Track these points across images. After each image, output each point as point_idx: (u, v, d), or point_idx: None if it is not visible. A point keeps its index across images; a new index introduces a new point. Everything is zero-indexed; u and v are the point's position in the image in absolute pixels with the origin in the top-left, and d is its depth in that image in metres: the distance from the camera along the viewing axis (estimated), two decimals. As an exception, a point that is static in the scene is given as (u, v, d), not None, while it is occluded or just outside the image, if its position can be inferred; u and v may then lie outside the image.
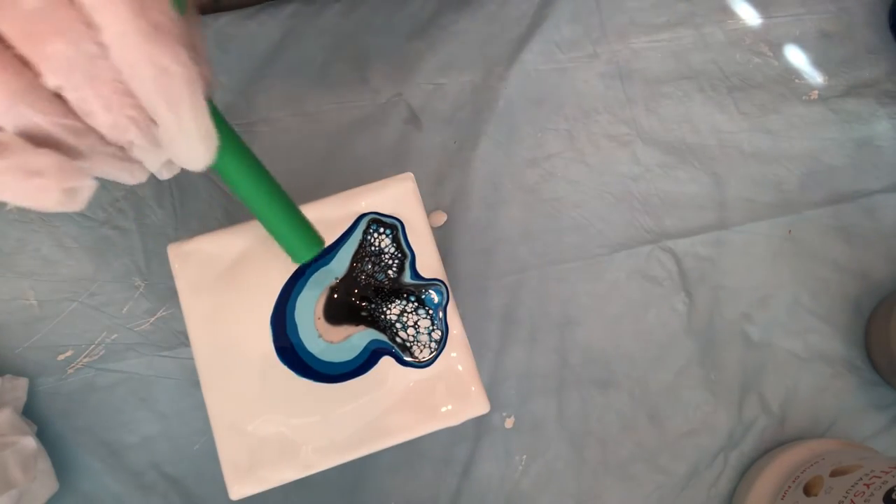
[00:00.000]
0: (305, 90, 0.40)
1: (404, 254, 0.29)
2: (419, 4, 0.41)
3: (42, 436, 0.35)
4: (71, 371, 0.37)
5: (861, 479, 0.31)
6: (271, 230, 0.25)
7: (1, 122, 0.17)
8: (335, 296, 0.29)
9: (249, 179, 0.23)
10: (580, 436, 0.37)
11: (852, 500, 0.30)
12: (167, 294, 0.38)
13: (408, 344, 0.29)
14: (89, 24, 0.17)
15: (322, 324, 0.29)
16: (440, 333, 0.29)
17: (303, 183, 0.39)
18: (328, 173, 0.39)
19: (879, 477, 0.30)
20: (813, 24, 0.42)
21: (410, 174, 0.30)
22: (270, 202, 0.24)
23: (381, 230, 0.29)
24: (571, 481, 0.37)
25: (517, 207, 0.39)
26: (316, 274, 0.29)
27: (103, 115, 0.18)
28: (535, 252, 0.39)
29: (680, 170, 0.40)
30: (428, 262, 0.29)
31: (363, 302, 0.29)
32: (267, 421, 0.28)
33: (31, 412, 0.36)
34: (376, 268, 0.29)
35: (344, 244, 0.29)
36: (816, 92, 0.42)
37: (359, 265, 0.29)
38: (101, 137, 0.19)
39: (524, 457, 0.37)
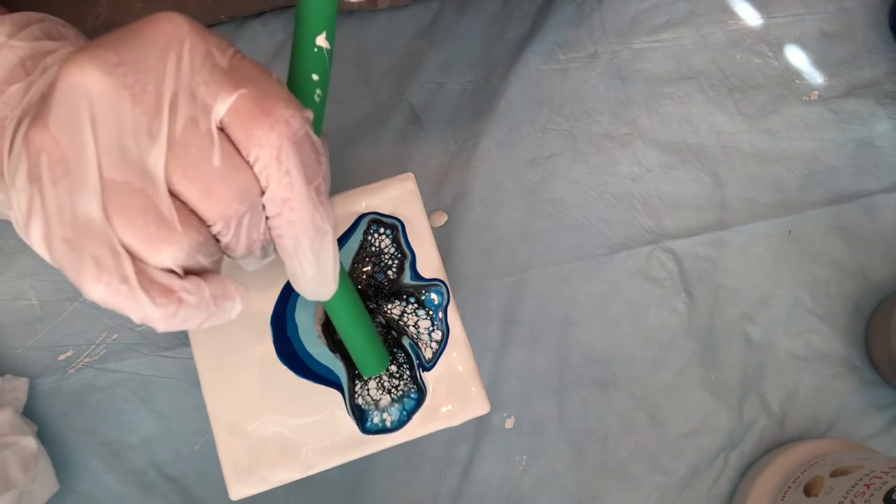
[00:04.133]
0: (306, 90, 0.40)
1: (404, 254, 0.29)
2: (421, 4, 0.41)
3: (42, 436, 0.35)
4: (71, 371, 0.37)
5: (861, 479, 0.31)
6: (353, 349, 0.27)
7: (174, 265, 0.18)
8: None
9: (350, 313, 0.25)
10: (580, 436, 0.37)
11: (852, 501, 0.30)
12: (167, 294, 0.38)
13: None
14: (262, 189, 0.18)
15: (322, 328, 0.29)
16: (441, 334, 0.29)
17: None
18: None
19: (879, 477, 0.30)
20: (813, 24, 0.42)
21: (411, 174, 0.30)
22: (361, 331, 0.26)
23: (382, 230, 0.29)
24: (571, 481, 0.37)
25: (517, 207, 0.39)
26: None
27: (242, 252, 0.20)
28: (535, 252, 0.39)
29: (680, 170, 0.40)
30: (428, 263, 0.29)
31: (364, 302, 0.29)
32: (267, 421, 0.28)
33: (31, 412, 0.36)
34: (376, 268, 0.29)
35: (344, 245, 0.29)
36: (817, 92, 0.42)
37: (359, 265, 0.29)
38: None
39: (524, 457, 0.37)
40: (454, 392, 0.29)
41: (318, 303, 0.29)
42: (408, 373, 0.28)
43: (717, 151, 0.41)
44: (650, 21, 0.42)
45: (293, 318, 0.29)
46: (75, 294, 0.37)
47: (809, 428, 0.38)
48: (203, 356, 0.29)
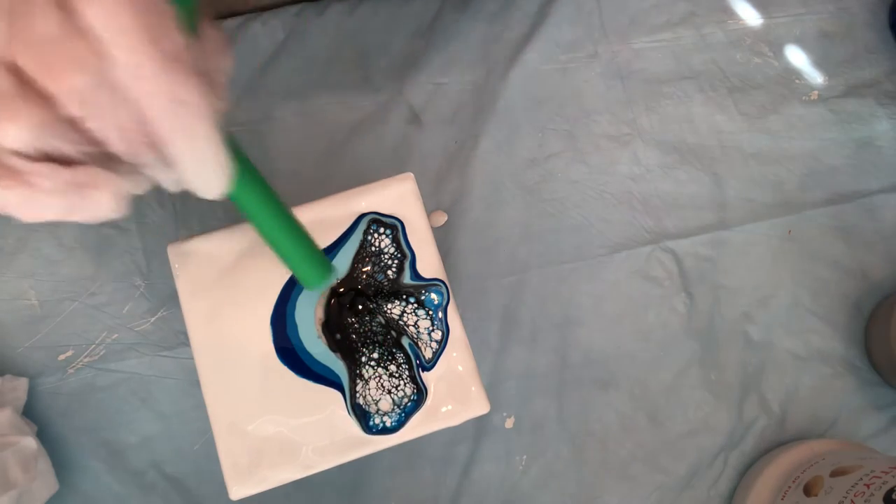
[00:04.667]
0: (308, 89, 0.40)
1: (404, 254, 0.29)
2: (421, 4, 0.41)
3: (42, 436, 0.35)
4: (71, 371, 0.37)
5: (861, 479, 0.31)
6: (285, 259, 0.25)
7: (27, 150, 0.17)
8: (333, 301, 0.29)
9: (264, 210, 0.24)
10: (580, 436, 0.37)
11: (852, 501, 0.30)
12: (167, 294, 0.38)
13: None
14: (104, 56, 0.17)
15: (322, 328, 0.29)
16: (441, 334, 0.29)
17: (304, 182, 0.39)
18: (330, 172, 0.39)
19: (879, 477, 0.30)
20: (813, 24, 0.42)
21: (410, 174, 0.30)
22: (285, 232, 0.25)
23: (381, 230, 0.29)
24: (571, 481, 0.37)
25: (517, 207, 0.39)
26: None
27: (119, 144, 0.18)
28: (535, 252, 0.39)
29: (680, 170, 0.40)
30: (428, 262, 0.29)
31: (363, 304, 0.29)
32: (267, 421, 0.28)
33: (31, 412, 0.36)
34: (376, 268, 0.29)
35: (344, 244, 0.29)
36: (816, 92, 0.42)
37: (359, 265, 0.29)
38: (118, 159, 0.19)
39: (524, 457, 0.37)
40: (454, 392, 0.29)
41: (318, 302, 0.29)
42: (407, 373, 0.28)
43: (716, 151, 0.41)
44: (650, 21, 0.42)
45: (293, 318, 0.29)
46: (75, 294, 0.37)
47: (809, 428, 0.38)
48: (203, 356, 0.29)
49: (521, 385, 0.38)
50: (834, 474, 0.32)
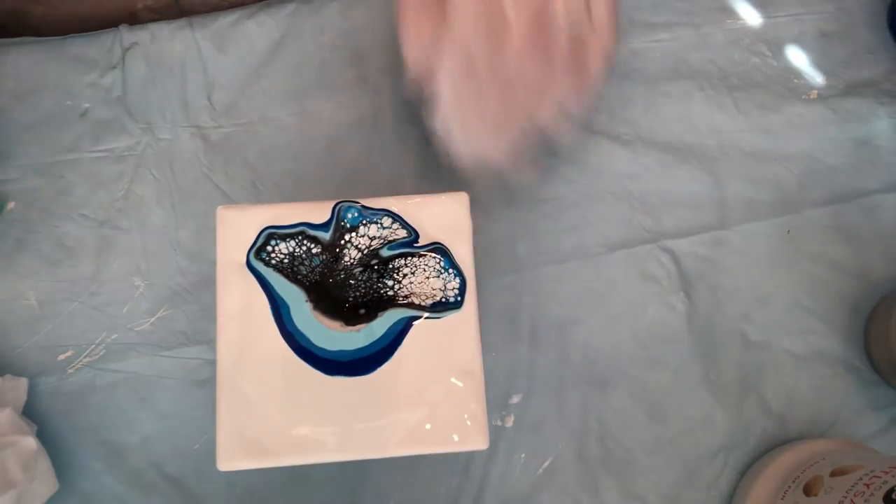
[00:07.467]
0: (304, 89, 0.40)
1: (299, 232, 0.29)
2: (418, 5, 0.41)
3: (42, 436, 0.35)
4: (71, 371, 0.37)
5: (861, 479, 0.31)
6: None
7: None
8: (327, 312, 0.29)
9: None
10: (580, 435, 0.37)
11: (852, 500, 0.30)
12: (167, 294, 0.38)
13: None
14: None
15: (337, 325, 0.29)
16: (389, 219, 0.30)
17: (302, 182, 0.39)
18: (327, 172, 0.39)
19: (879, 477, 0.30)
20: (812, 23, 0.42)
21: (219, 207, 0.30)
22: None
23: (268, 250, 0.29)
24: (571, 481, 0.37)
25: (517, 207, 0.40)
26: (289, 310, 0.29)
27: None
28: (534, 251, 0.39)
29: (679, 169, 0.40)
30: (315, 212, 0.30)
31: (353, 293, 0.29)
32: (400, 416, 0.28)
33: (31, 412, 0.36)
34: (305, 262, 0.29)
35: (274, 287, 0.29)
36: (816, 91, 0.42)
37: (299, 276, 0.29)
38: None
39: (523, 456, 0.37)
40: (447, 227, 0.30)
41: (320, 326, 0.29)
42: (414, 258, 0.29)
43: (715, 150, 0.41)
44: (649, 20, 0.42)
45: (325, 351, 0.29)
46: (74, 294, 0.38)
47: (809, 428, 0.38)
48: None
49: (521, 384, 0.38)
50: (834, 474, 0.32)
